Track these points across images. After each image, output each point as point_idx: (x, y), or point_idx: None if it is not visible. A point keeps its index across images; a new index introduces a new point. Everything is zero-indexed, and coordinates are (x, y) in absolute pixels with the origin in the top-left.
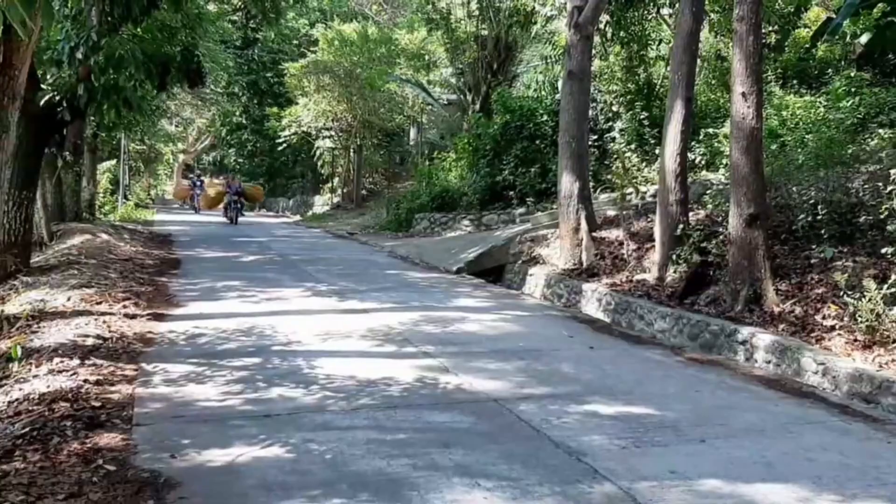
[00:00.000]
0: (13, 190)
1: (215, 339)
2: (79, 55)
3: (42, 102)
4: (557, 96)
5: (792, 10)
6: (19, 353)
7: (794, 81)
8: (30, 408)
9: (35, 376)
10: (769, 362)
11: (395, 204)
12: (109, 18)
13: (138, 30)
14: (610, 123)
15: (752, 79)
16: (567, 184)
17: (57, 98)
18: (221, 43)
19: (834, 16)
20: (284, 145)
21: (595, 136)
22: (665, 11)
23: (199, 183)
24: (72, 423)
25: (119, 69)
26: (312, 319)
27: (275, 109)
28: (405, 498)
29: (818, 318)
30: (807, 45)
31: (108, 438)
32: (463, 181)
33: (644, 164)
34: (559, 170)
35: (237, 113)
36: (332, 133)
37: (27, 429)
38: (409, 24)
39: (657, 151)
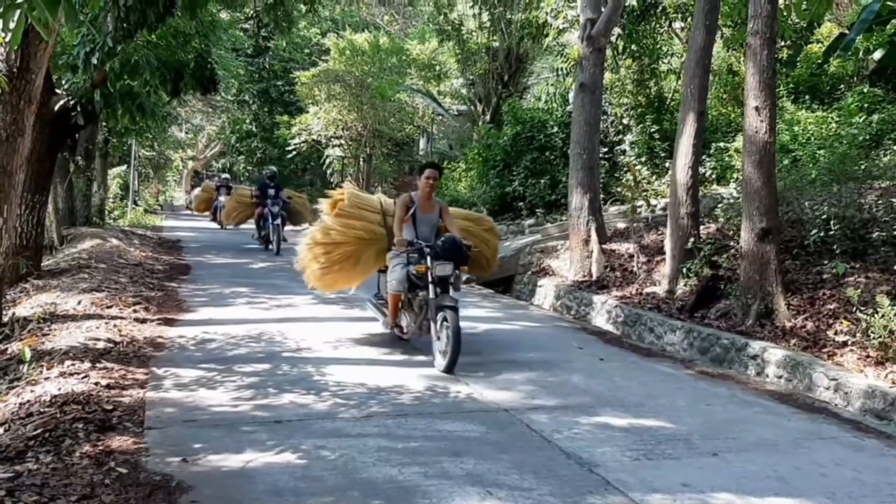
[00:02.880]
0: (26, 193)
1: (225, 344)
2: (94, 60)
3: (56, 107)
4: (568, 108)
5: (804, 25)
6: (29, 355)
7: (807, 97)
8: (41, 410)
9: (46, 378)
10: (780, 377)
11: None
12: (125, 25)
13: (153, 36)
14: (620, 136)
15: (765, 93)
16: (578, 195)
17: (71, 103)
18: (233, 51)
19: (847, 31)
20: (294, 153)
21: (605, 149)
22: (677, 25)
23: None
24: (83, 426)
25: (134, 75)
26: (322, 326)
27: (285, 118)
28: None
29: (830, 333)
30: (819, 61)
31: (119, 441)
32: (472, 191)
33: (654, 177)
34: (570, 181)
35: (247, 121)
36: (342, 142)
37: (39, 430)
38: (421, 35)
39: (667, 165)
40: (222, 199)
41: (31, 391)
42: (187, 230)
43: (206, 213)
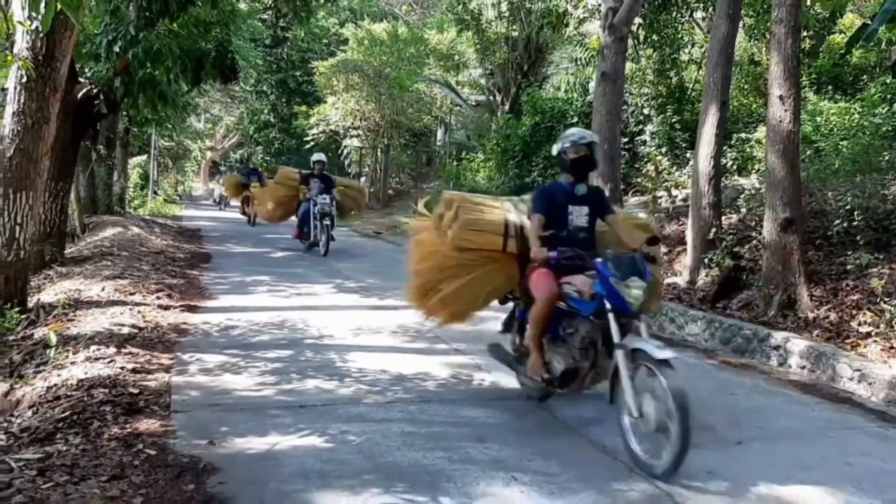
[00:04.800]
0: (50, 181)
1: (248, 331)
2: (117, 49)
3: (80, 95)
4: (588, 98)
5: (827, 15)
6: (54, 339)
7: (829, 87)
8: (68, 393)
9: (73, 363)
10: (804, 367)
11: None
12: (147, 13)
13: (174, 25)
14: (641, 126)
15: (789, 82)
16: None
17: (94, 91)
18: (251, 41)
19: (869, 22)
20: (312, 144)
21: (626, 139)
22: (698, 15)
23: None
24: (111, 409)
25: (157, 63)
26: (343, 314)
27: (303, 108)
28: (442, 489)
29: (853, 324)
30: (841, 52)
31: (147, 424)
32: (491, 182)
33: (675, 167)
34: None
35: (265, 111)
36: (360, 132)
37: (67, 413)
38: (439, 25)
39: (688, 155)
40: (322, 199)
41: (58, 375)
42: (207, 220)
43: (281, 221)
